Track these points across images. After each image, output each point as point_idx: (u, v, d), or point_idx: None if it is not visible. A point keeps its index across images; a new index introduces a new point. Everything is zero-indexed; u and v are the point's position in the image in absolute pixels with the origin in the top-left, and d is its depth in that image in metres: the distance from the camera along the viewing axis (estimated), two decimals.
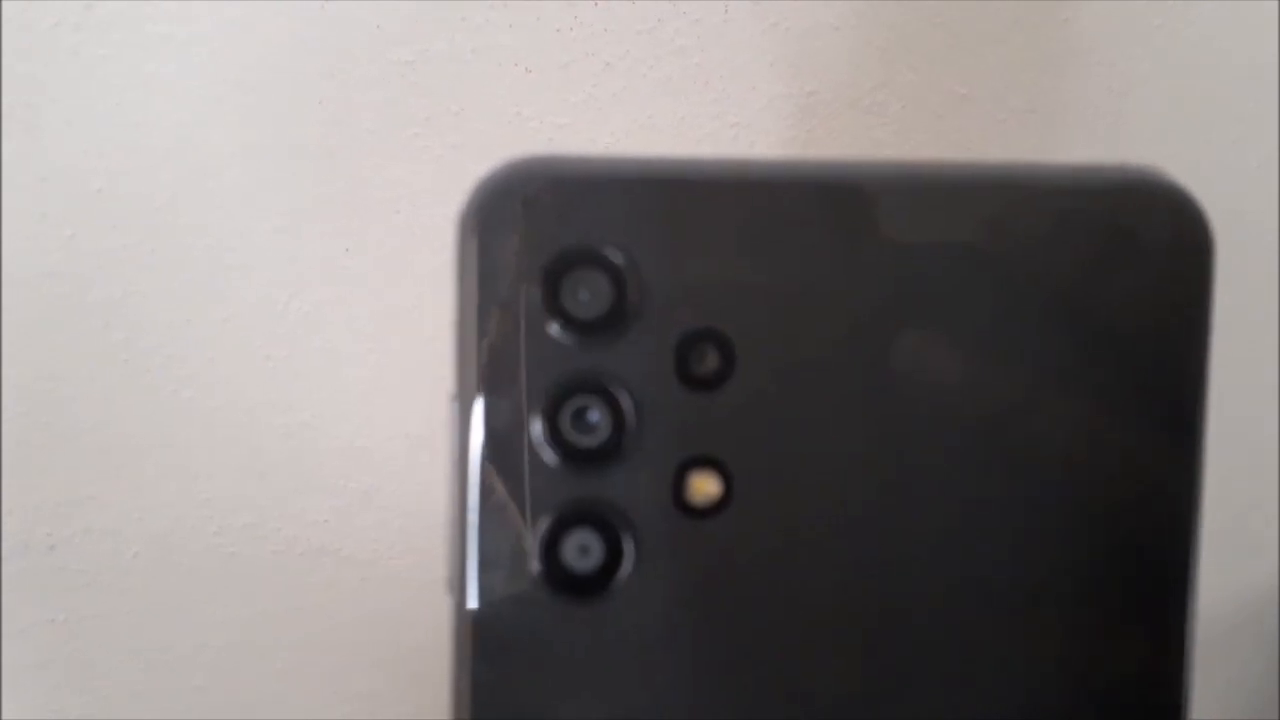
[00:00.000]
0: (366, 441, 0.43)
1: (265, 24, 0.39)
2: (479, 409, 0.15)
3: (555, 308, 0.15)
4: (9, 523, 0.42)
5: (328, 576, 0.44)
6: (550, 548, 0.16)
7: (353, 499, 0.43)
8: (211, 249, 0.41)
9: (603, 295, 0.15)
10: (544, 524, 0.16)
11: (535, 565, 0.16)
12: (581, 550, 0.16)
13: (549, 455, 0.16)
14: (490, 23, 0.40)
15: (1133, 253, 0.16)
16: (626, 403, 0.15)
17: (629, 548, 0.16)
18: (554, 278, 0.15)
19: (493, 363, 0.15)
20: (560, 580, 0.16)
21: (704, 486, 0.16)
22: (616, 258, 0.15)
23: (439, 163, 0.41)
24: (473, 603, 0.16)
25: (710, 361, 0.16)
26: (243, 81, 0.39)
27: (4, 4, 0.38)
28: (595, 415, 0.15)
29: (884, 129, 0.43)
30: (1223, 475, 0.45)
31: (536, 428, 0.15)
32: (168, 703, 0.45)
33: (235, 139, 0.40)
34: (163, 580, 0.44)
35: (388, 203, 0.41)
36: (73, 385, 0.41)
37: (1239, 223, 0.45)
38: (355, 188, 0.41)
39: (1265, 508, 0.47)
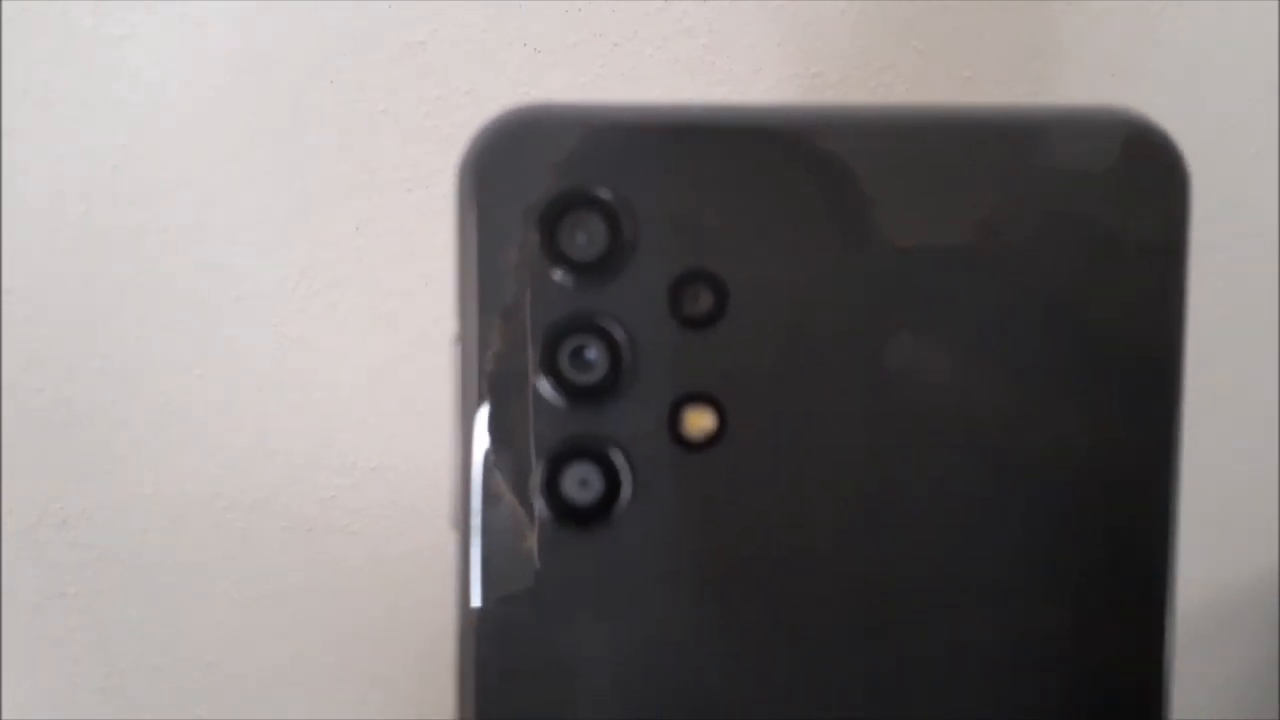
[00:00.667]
0: (376, 419, 0.43)
1: (278, 5, 0.40)
2: (479, 349, 0.16)
3: (553, 250, 0.16)
4: (21, 498, 0.43)
5: (337, 553, 0.44)
6: (551, 480, 0.16)
7: (362, 476, 0.44)
8: (224, 227, 0.41)
9: (599, 237, 0.16)
10: (545, 458, 0.16)
11: (537, 497, 0.16)
12: (582, 483, 0.16)
13: (548, 392, 0.16)
14: (501, 3, 0.40)
15: (1109, 195, 0.16)
16: (623, 341, 0.16)
17: (627, 480, 0.16)
18: (551, 221, 0.16)
19: (492, 304, 0.16)
20: (561, 512, 0.16)
21: (698, 421, 0.16)
22: (612, 201, 0.16)
23: (449, 142, 0.41)
24: (476, 535, 0.16)
25: (704, 301, 0.16)
26: (256, 61, 0.40)
27: None
28: (593, 353, 0.16)
29: None
30: (1222, 466, 0.46)
31: (536, 366, 0.16)
32: (180, 676, 0.45)
33: (248, 118, 0.40)
34: (173, 556, 0.44)
35: (399, 182, 0.42)
36: (85, 361, 0.42)
37: (1235, 207, 0.46)
38: (367, 167, 0.41)
39: (1265, 496, 0.48)
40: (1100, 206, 0.16)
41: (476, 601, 0.16)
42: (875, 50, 0.43)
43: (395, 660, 0.46)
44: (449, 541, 0.17)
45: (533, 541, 0.16)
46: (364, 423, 0.43)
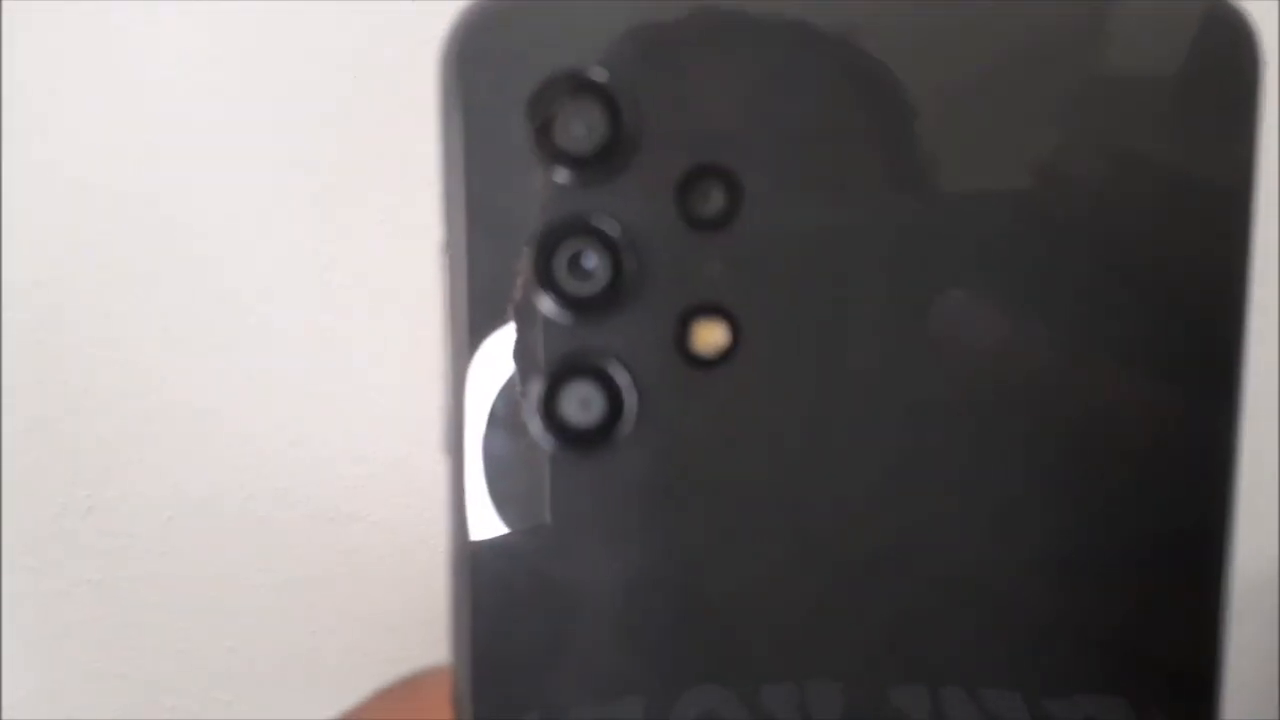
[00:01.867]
0: (398, 410, 0.42)
1: (283, 16, 0.39)
2: (468, 257, 0.14)
3: (546, 142, 0.14)
4: (47, 486, 0.42)
5: (357, 542, 0.43)
6: (550, 401, 0.14)
7: (382, 466, 0.43)
8: (249, 221, 0.41)
9: (597, 128, 0.13)
10: (543, 376, 0.14)
11: (535, 419, 0.14)
12: (582, 403, 0.14)
13: (545, 304, 0.14)
14: None
15: (1179, 114, 0.14)
16: (626, 246, 0.14)
17: (631, 401, 0.14)
18: (544, 108, 0.13)
19: (481, 205, 0.14)
20: (561, 434, 0.14)
21: (709, 336, 0.14)
22: (612, 86, 0.13)
23: None
24: (471, 459, 0.14)
25: (716, 200, 0.14)
26: (276, 57, 0.40)
27: None
28: (592, 260, 0.14)
29: None
30: None
31: (530, 274, 0.14)
32: (202, 662, 0.45)
33: (271, 114, 0.40)
34: (197, 543, 0.44)
35: (423, 175, 0.40)
36: (111, 351, 0.41)
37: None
38: (389, 161, 0.40)
39: (1265, 496, 0.45)
40: (1171, 132, 0.14)
41: (471, 529, 0.14)
42: None
43: (416, 647, 0.44)
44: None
45: (530, 466, 0.14)
46: (386, 414, 0.42)
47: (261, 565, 0.44)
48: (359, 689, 0.44)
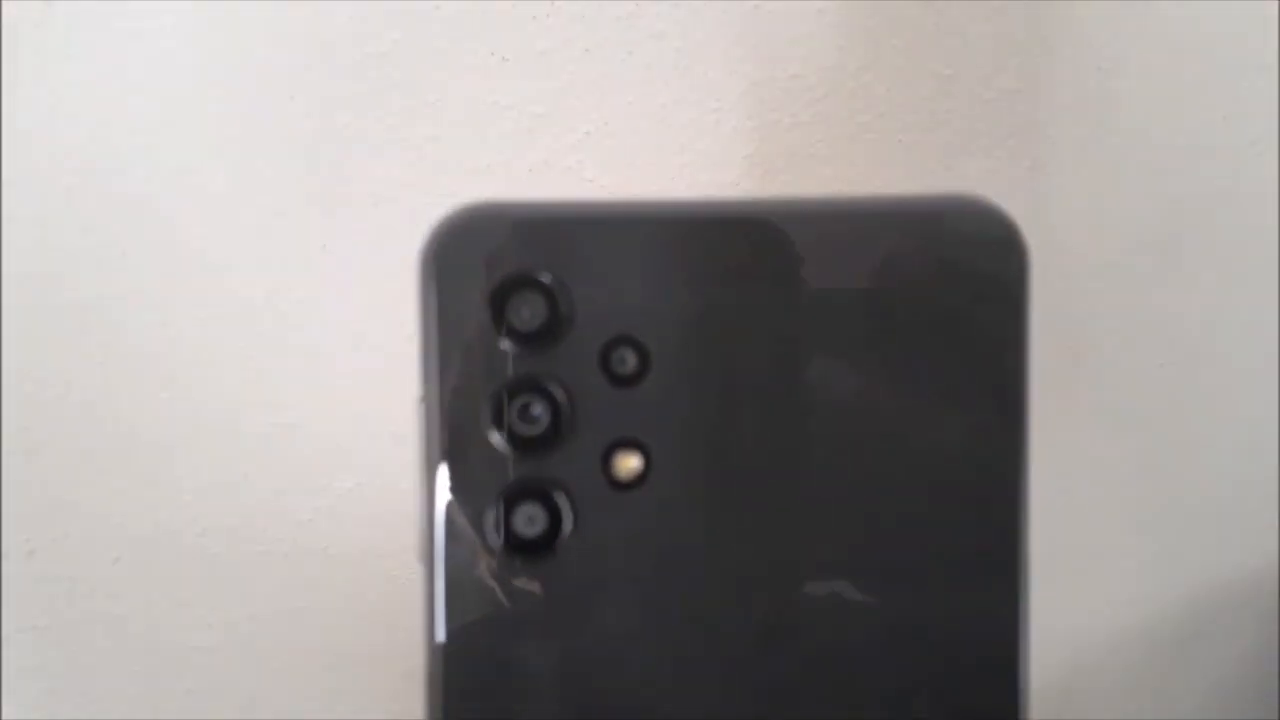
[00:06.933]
0: (350, 440, 0.47)
1: (237, 19, 0.42)
2: (440, 409, 0.22)
3: (502, 323, 0.21)
4: None
5: (313, 576, 0.48)
6: (504, 518, 0.22)
7: (337, 498, 0.47)
8: (187, 248, 0.44)
9: (539, 312, 0.21)
10: (498, 500, 0.22)
11: (492, 533, 0.22)
12: (529, 519, 0.22)
13: (499, 443, 0.22)
14: (465, 12, 0.43)
15: (958, 266, 0.22)
16: (562, 398, 0.22)
17: (568, 517, 0.22)
18: (500, 300, 0.21)
19: (451, 370, 0.21)
20: (513, 544, 0.22)
21: (627, 463, 0.22)
22: (550, 281, 0.21)
23: (417, 154, 0.44)
24: (441, 567, 0.22)
25: (630, 362, 0.22)
26: (215, 77, 0.43)
27: None
28: (537, 409, 0.22)
29: (868, 113, 0.47)
30: (1222, 466, 0.50)
31: (489, 421, 0.22)
32: (157, 706, 0.48)
33: (209, 135, 0.43)
34: (147, 584, 0.47)
35: (365, 196, 0.44)
36: (49, 388, 0.44)
37: (1231, 201, 0.49)
38: (332, 182, 0.44)
39: (1265, 495, 0.52)
40: (956, 273, 0.22)
41: (441, 625, 0.22)
42: (854, 50, 0.46)
43: (377, 682, 0.49)
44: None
45: (489, 572, 0.22)
46: (338, 444, 0.47)
47: (215, 604, 0.47)
48: None
